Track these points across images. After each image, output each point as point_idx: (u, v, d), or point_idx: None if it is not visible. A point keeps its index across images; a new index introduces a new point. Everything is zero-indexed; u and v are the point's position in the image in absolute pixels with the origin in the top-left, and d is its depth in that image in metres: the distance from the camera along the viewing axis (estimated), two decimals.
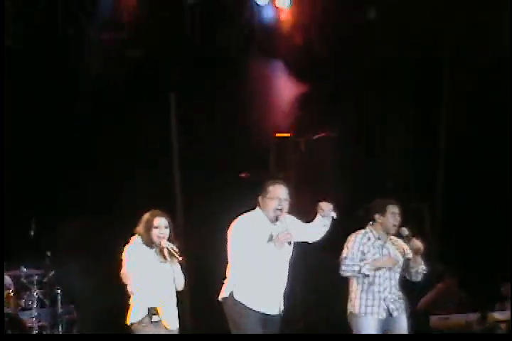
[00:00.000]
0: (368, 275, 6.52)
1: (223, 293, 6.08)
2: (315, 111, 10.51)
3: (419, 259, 6.67)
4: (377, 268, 6.53)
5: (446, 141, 11.25)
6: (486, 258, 10.16)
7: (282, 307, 6.12)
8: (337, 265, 6.61)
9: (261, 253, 5.92)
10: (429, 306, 9.71)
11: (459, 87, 10.77)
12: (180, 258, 6.11)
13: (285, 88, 10.46)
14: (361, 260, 6.58)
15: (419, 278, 6.77)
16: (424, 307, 9.69)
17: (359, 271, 6.53)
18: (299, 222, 6.29)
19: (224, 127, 10.43)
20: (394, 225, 6.66)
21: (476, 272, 10.13)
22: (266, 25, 10.37)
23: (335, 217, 6.18)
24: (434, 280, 9.55)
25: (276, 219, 6.04)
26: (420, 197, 10.76)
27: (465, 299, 9.88)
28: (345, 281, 6.71)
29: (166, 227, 6.19)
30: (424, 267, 6.72)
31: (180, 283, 6.23)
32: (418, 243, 6.63)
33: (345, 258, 6.59)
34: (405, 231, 6.67)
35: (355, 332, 6.54)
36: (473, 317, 8.94)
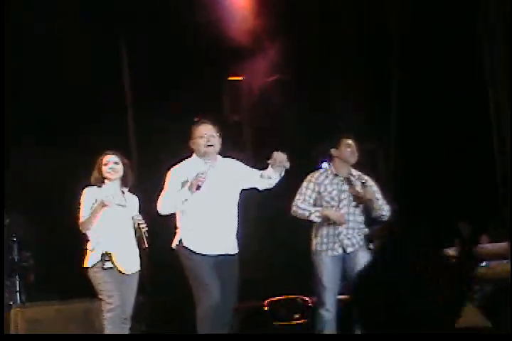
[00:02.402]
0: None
1: (174, 242, 6.13)
2: (269, 54, 10.45)
3: (379, 203, 6.69)
4: (327, 217, 6.53)
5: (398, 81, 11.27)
6: (441, 198, 10.27)
7: (234, 249, 6.15)
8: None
9: (195, 198, 5.97)
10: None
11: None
12: (147, 245, 6.14)
13: (239, 30, 10.35)
14: (316, 199, 6.59)
15: (384, 218, 6.77)
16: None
17: (308, 217, 6.55)
18: (245, 167, 6.30)
19: (177, 70, 10.33)
20: (351, 156, 6.65)
21: (430, 211, 10.25)
22: None
23: (287, 166, 6.10)
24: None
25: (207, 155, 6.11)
26: (373, 139, 10.80)
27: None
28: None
29: (115, 163, 6.26)
30: (387, 208, 6.73)
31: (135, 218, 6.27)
32: (370, 193, 6.63)
33: (298, 199, 6.59)
34: (362, 178, 6.66)
35: (314, 270, 6.57)
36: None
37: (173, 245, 6.11)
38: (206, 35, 10.01)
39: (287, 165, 6.07)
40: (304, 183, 6.65)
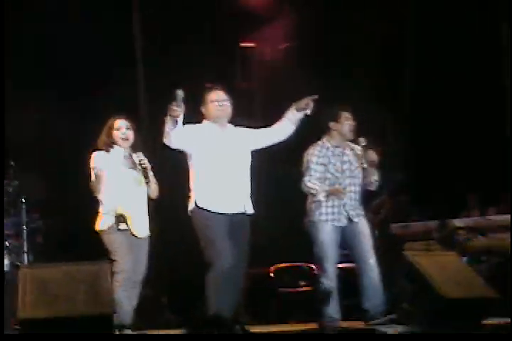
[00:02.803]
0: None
1: (189, 206, 6.16)
2: (281, 21, 10.42)
3: (372, 170, 6.68)
4: (331, 195, 6.56)
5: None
6: (450, 169, 10.29)
7: (250, 209, 6.19)
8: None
9: (208, 160, 6.05)
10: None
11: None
12: (149, 166, 6.14)
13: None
14: (321, 172, 6.60)
15: (373, 187, 6.79)
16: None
17: (315, 196, 6.56)
18: (250, 129, 6.36)
19: (189, 37, 10.31)
20: (350, 130, 6.64)
21: (438, 182, 10.27)
22: None
23: (309, 112, 6.18)
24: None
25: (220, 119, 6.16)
26: (380, 108, 10.79)
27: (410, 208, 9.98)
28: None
29: (127, 128, 6.21)
30: (376, 177, 6.72)
31: (153, 190, 6.26)
32: (373, 155, 6.63)
33: (306, 175, 6.61)
34: (363, 141, 6.65)
35: (313, 239, 6.55)
36: (432, 224, 9.07)
37: (189, 208, 6.14)
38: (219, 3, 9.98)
39: (310, 110, 6.15)
40: (309, 157, 6.64)
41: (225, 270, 5.86)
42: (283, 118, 6.25)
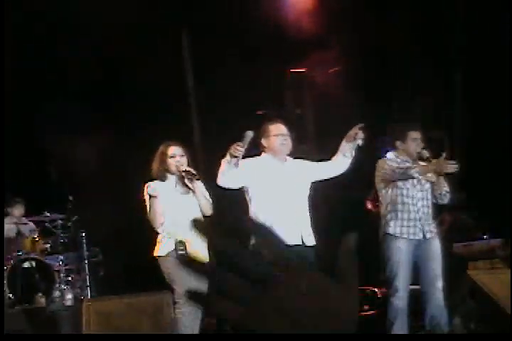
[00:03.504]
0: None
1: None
2: (329, 45, 10.41)
3: (442, 180, 6.58)
4: (422, 173, 6.44)
5: (463, 73, 11.14)
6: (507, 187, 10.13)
7: (306, 239, 6.12)
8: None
9: (268, 194, 5.98)
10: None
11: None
12: (198, 177, 6.05)
13: (298, 23, 10.34)
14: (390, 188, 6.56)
15: (445, 200, 6.68)
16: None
17: (407, 172, 6.40)
18: (309, 162, 6.34)
19: (237, 65, 10.36)
20: (417, 152, 6.58)
21: (497, 200, 10.12)
22: None
23: (361, 143, 6.04)
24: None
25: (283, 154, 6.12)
26: (439, 127, 10.70)
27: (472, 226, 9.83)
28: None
29: (181, 156, 6.15)
30: (447, 189, 6.63)
31: (205, 207, 6.20)
32: (442, 163, 6.47)
33: (389, 169, 6.52)
34: (426, 153, 6.56)
35: (387, 253, 6.46)
36: (495, 242, 8.96)
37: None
38: (268, 29, 10.02)
39: (361, 141, 6.02)
40: (384, 165, 6.57)
41: None
42: (338, 152, 6.16)
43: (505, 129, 10.46)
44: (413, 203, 6.53)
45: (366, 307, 8.91)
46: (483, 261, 8.60)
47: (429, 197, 6.62)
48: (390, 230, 6.51)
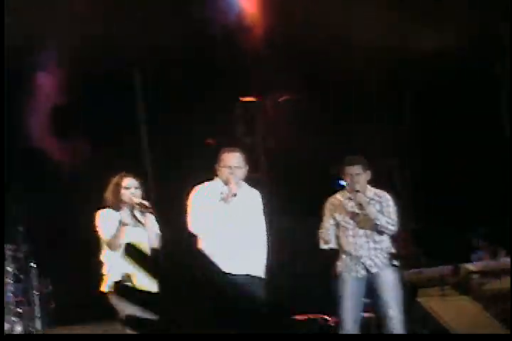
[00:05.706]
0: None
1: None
2: (280, 74, 10.45)
3: (376, 214, 6.59)
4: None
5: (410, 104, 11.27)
6: (455, 212, 10.23)
7: (254, 270, 6.13)
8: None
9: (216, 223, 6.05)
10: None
11: None
12: (151, 210, 6.04)
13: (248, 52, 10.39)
14: (334, 224, 6.63)
15: (387, 232, 6.67)
16: None
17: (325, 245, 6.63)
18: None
19: (188, 94, 10.38)
20: (356, 184, 6.57)
21: (446, 225, 10.22)
22: None
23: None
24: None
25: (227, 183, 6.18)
26: (389, 154, 10.80)
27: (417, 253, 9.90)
28: None
29: (136, 188, 6.13)
30: (387, 219, 6.62)
31: (153, 240, 6.12)
32: (362, 197, 6.58)
33: (320, 228, 6.67)
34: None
35: (337, 291, 6.64)
36: (446, 269, 8.98)
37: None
38: (218, 56, 10.05)
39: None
40: (324, 211, 6.72)
41: None
42: None
43: (456, 158, 10.59)
44: (355, 241, 6.58)
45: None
46: (434, 288, 8.64)
47: (374, 232, 6.63)
48: (338, 268, 6.68)
